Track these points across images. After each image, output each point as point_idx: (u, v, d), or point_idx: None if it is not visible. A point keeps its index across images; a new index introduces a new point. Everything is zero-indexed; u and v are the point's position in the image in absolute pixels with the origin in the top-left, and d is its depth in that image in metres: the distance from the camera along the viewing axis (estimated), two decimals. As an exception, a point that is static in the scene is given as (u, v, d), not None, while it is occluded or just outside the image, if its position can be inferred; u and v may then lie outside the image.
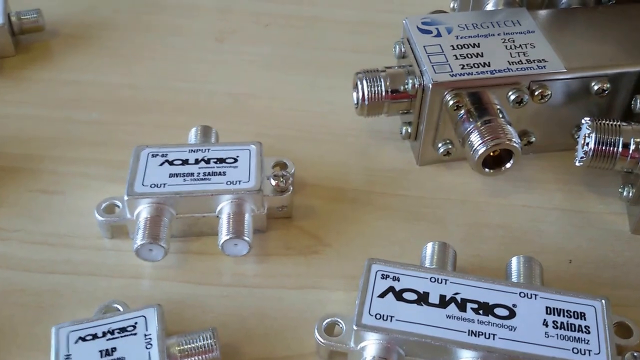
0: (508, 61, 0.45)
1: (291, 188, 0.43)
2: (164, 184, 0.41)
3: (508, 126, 0.44)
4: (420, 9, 0.55)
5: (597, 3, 0.53)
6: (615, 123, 0.43)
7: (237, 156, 0.43)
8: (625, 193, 0.44)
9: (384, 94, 0.47)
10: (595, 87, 0.45)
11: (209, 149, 0.43)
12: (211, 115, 0.52)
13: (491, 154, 0.44)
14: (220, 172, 0.42)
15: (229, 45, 0.59)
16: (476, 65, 0.45)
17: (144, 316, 0.35)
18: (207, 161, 0.43)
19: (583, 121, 0.43)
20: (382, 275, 0.36)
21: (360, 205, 0.46)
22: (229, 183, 0.41)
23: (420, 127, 0.47)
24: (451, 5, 0.57)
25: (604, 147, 0.43)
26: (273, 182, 0.42)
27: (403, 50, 0.48)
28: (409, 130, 0.48)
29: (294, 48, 0.59)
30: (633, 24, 0.49)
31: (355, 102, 0.47)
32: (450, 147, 0.47)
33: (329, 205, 0.46)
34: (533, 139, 0.48)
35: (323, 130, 0.51)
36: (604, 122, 0.43)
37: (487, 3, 0.54)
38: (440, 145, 0.47)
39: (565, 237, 0.44)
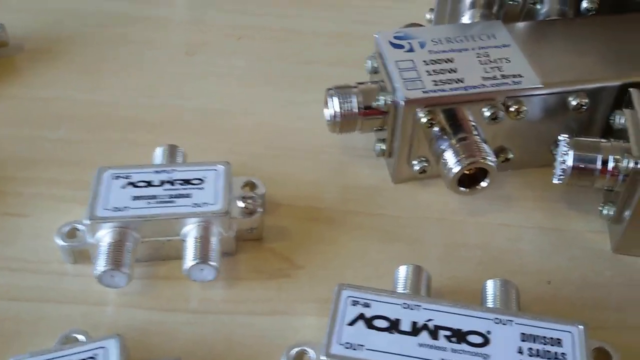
0: (482, 76, 0.44)
1: (260, 209, 0.41)
2: (127, 207, 0.40)
3: (483, 144, 0.43)
4: (399, 19, 0.54)
5: (577, 14, 0.51)
6: (593, 140, 0.42)
7: (204, 177, 0.42)
8: (605, 211, 0.43)
9: (356, 110, 0.46)
10: (573, 103, 0.44)
11: (174, 170, 0.42)
12: (181, 132, 0.51)
13: (466, 172, 0.43)
14: (185, 194, 0.41)
15: (200, 59, 0.58)
16: (449, 81, 0.44)
17: (104, 347, 0.34)
18: (172, 183, 0.41)
19: (560, 138, 0.43)
20: (353, 301, 0.35)
21: (334, 225, 0.45)
22: (194, 205, 0.40)
23: (395, 145, 0.46)
24: (427, 17, 0.56)
25: (582, 165, 0.42)
26: (241, 204, 0.41)
27: (375, 65, 0.47)
28: (384, 148, 0.47)
29: (268, 62, 0.58)
30: (613, 35, 0.49)
31: (327, 119, 0.46)
32: (425, 164, 0.46)
33: (302, 226, 0.45)
34: (511, 156, 0.47)
35: (297, 147, 0.50)
36: (582, 139, 0.42)
37: (463, 15, 0.53)
38: (415, 162, 0.46)
39: (544, 257, 0.43)
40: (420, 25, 0.50)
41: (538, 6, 0.53)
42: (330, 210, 0.46)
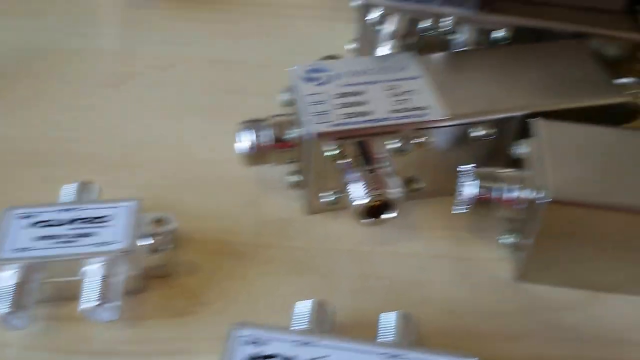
0: (390, 109, 0.45)
1: (168, 247, 0.42)
2: (31, 248, 0.40)
3: (390, 176, 0.44)
4: (326, 49, 0.55)
5: (492, 44, 0.53)
6: (494, 170, 0.43)
7: (112, 215, 0.42)
8: (506, 240, 0.44)
9: (268, 144, 0.46)
10: (479, 133, 0.46)
11: (82, 208, 0.42)
12: (99, 166, 0.51)
13: (373, 203, 0.44)
14: (92, 233, 0.41)
15: (124, 90, 0.58)
16: (358, 114, 0.45)
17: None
18: (79, 221, 0.42)
19: (462, 168, 0.43)
20: (247, 341, 0.36)
21: (245, 260, 0.45)
22: (100, 244, 0.40)
23: (306, 177, 0.46)
24: (350, 47, 0.57)
25: (482, 195, 0.43)
26: (148, 242, 0.41)
27: (289, 98, 0.48)
28: (296, 180, 0.48)
29: (192, 92, 0.58)
30: (522, 65, 0.50)
31: (240, 152, 0.47)
32: (336, 196, 0.47)
33: (213, 260, 0.45)
34: (420, 185, 0.48)
35: (214, 179, 0.51)
36: (482, 169, 0.43)
37: (382, 46, 0.54)
38: (326, 194, 0.47)
39: (448, 287, 0.44)
40: (337, 58, 0.51)
41: (455, 36, 0.53)
42: (242, 244, 0.46)
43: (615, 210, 0.40)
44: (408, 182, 0.48)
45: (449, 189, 0.48)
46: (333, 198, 0.47)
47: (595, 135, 0.43)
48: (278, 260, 0.46)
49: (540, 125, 0.43)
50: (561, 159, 0.41)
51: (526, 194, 0.41)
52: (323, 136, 0.44)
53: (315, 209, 0.48)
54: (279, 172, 0.50)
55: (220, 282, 0.44)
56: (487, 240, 0.47)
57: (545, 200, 0.39)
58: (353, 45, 0.57)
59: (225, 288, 0.44)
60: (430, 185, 0.49)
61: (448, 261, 0.46)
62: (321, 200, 0.47)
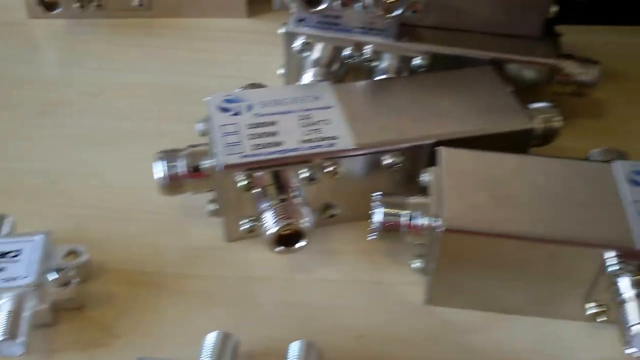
0: (301, 139, 0.46)
1: (76, 280, 0.42)
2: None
3: (300, 206, 0.45)
4: (257, 74, 0.57)
5: (414, 71, 0.54)
6: (400, 197, 0.45)
7: (21, 249, 0.43)
8: (415, 265, 0.45)
9: (182, 174, 0.47)
10: (388, 161, 0.47)
11: (-7, 243, 0.43)
12: (20, 197, 0.52)
13: (285, 232, 0.45)
14: (1, 268, 0.41)
15: (53, 119, 0.59)
16: (268, 145, 0.46)
17: None
18: (-10, 256, 0.42)
19: (373, 196, 0.44)
20: (144, 375, 0.36)
21: (161, 290, 0.46)
22: (6, 280, 0.41)
23: (221, 205, 0.47)
24: (279, 72, 0.58)
25: (389, 222, 0.44)
26: (53, 277, 0.42)
27: (205, 128, 0.49)
28: (214, 208, 0.48)
29: (120, 119, 0.59)
30: (435, 93, 0.51)
31: (156, 181, 0.48)
32: (253, 224, 0.48)
33: (128, 291, 0.46)
34: (336, 212, 0.49)
35: (137, 208, 0.51)
36: (390, 196, 0.45)
37: (307, 72, 0.55)
38: (244, 222, 0.48)
39: (359, 312, 0.45)
40: (262, 86, 0.53)
41: (375, 63, 0.55)
42: (159, 274, 0.47)
43: (507, 237, 0.41)
44: (324, 208, 0.49)
45: (366, 215, 0.49)
46: (250, 226, 0.48)
47: (497, 162, 0.45)
48: (194, 290, 0.46)
49: (442, 153, 0.44)
50: (459, 187, 0.43)
51: (426, 221, 0.42)
52: (232, 167, 0.45)
53: (233, 237, 0.49)
54: (201, 200, 0.50)
55: (134, 314, 0.44)
56: (402, 265, 0.48)
57: (440, 229, 0.40)
58: (282, 71, 0.58)
59: (139, 320, 0.44)
60: (348, 211, 0.50)
61: (363, 286, 0.47)
62: (239, 228, 0.48)
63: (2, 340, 0.39)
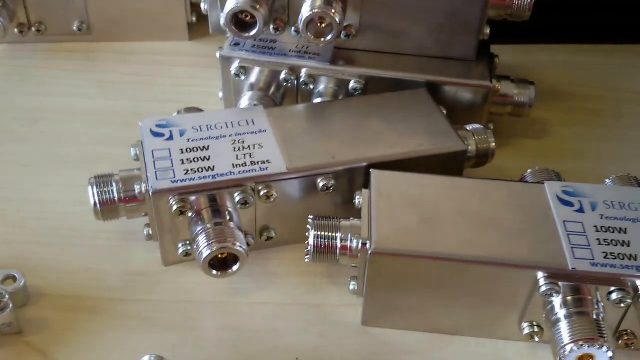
0: (233, 164, 0.48)
1: (10, 305, 0.43)
2: None
3: (234, 229, 0.46)
4: (198, 97, 0.60)
5: (351, 94, 0.56)
6: (334, 219, 0.46)
7: (-47, 277, 0.43)
8: (351, 286, 0.46)
9: (116, 199, 0.48)
10: (320, 185, 0.48)
11: None
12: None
13: (220, 256, 0.46)
14: None
15: (-12, 145, 0.59)
16: (200, 170, 0.47)
17: None
18: None
19: (309, 218, 0.46)
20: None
21: (98, 315, 0.47)
22: (-62, 308, 0.41)
23: (155, 230, 0.48)
24: (220, 95, 0.59)
25: (322, 244, 0.45)
26: (-10, 302, 0.42)
27: (137, 153, 0.50)
28: (150, 232, 0.49)
29: (58, 144, 0.60)
30: (371, 116, 0.53)
31: (91, 206, 0.48)
32: (189, 247, 0.49)
33: (65, 316, 0.47)
34: (273, 235, 0.50)
35: (74, 233, 0.52)
36: (324, 219, 0.46)
37: (244, 96, 0.56)
38: (180, 246, 0.49)
39: (297, 334, 0.46)
40: (199, 110, 0.54)
41: (311, 86, 0.56)
42: (96, 299, 0.48)
43: (435, 259, 0.42)
44: (262, 231, 0.50)
45: (303, 237, 0.50)
46: (186, 250, 0.49)
47: (428, 184, 0.46)
48: (131, 314, 0.47)
49: (373, 176, 0.46)
50: (389, 209, 0.44)
51: (355, 244, 0.44)
52: (163, 193, 0.46)
53: (170, 261, 0.50)
54: (139, 224, 0.51)
55: (72, 339, 0.45)
56: (341, 287, 0.49)
57: (369, 251, 0.42)
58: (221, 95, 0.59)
59: (76, 344, 0.45)
60: (287, 234, 0.51)
61: (301, 308, 0.48)
62: (176, 252, 0.49)
63: None
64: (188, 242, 0.49)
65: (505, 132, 0.58)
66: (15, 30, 0.67)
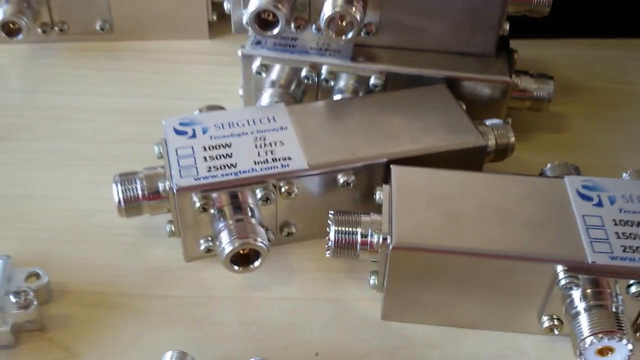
0: (254, 161, 0.48)
1: (35, 302, 0.44)
2: None
3: (256, 225, 0.47)
4: (218, 95, 0.60)
5: (371, 91, 0.57)
6: (355, 214, 0.46)
7: (-20, 273, 0.44)
8: (372, 281, 0.47)
9: (140, 196, 0.49)
10: (341, 180, 0.48)
11: (-48, 268, 0.44)
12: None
13: (241, 252, 0.46)
14: (-39, 292, 0.43)
15: (14, 143, 0.61)
16: (223, 167, 0.48)
17: None
18: (-51, 281, 0.44)
19: (330, 213, 0.47)
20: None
21: (120, 310, 0.48)
22: (-34, 303, 0.42)
23: (178, 226, 0.49)
24: (240, 93, 0.60)
25: (343, 240, 0.46)
26: (13, 299, 0.43)
27: (161, 151, 0.51)
28: (172, 229, 0.50)
29: (82, 142, 0.61)
30: (391, 112, 0.53)
31: (115, 203, 0.49)
32: (210, 244, 0.50)
33: (88, 313, 0.48)
34: (294, 230, 0.51)
35: (97, 230, 0.53)
36: (344, 214, 0.46)
37: (265, 93, 0.57)
38: (202, 242, 0.50)
39: (316, 329, 0.47)
40: (220, 108, 0.54)
41: (332, 83, 0.57)
42: (118, 295, 0.49)
43: (455, 254, 0.43)
44: (282, 227, 0.51)
45: (324, 232, 0.51)
46: (208, 246, 0.49)
47: (448, 179, 0.47)
48: (153, 309, 0.48)
49: (393, 172, 0.46)
50: (409, 204, 0.45)
51: (376, 239, 0.45)
52: (186, 190, 0.46)
53: (192, 257, 0.51)
54: (161, 220, 0.52)
55: (94, 334, 0.46)
56: (360, 281, 0.50)
57: (390, 246, 0.42)
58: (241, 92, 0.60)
59: (98, 340, 0.46)
60: (307, 229, 0.52)
61: (321, 303, 0.49)
62: (198, 248, 0.50)
63: (-40, 364, 0.41)
64: (210, 238, 0.49)
65: (523, 126, 0.58)
66: (39, 29, 0.68)
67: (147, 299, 0.49)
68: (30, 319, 0.44)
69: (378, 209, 0.48)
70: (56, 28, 0.69)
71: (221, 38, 0.73)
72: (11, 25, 0.65)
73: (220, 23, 0.72)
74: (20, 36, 0.65)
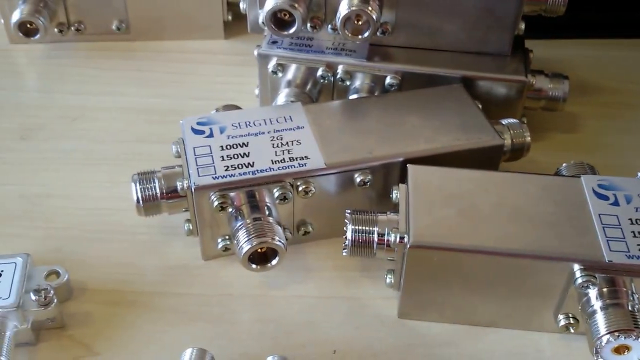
0: (272, 160, 0.49)
1: (55, 300, 0.45)
2: None
3: (274, 224, 0.47)
4: (234, 95, 0.61)
5: (387, 90, 0.57)
6: (371, 213, 0.47)
7: (1, 271, 0.45)
8: (388, 279, 0.48)
9: (158, 195, 0.50)
10: (357, 179, 0.49)
11: (-27, 266, 0.45)
12: (0, 219, 0.54)
13: (259, 250, 0.47)
14: (-17, 290, 0.44)
15: (33, 142, 0.61)
16: (240, 166, 0.48)
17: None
18: (-28, 278, 0.44)
19: (346, 212, 0.47)
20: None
21: (138, 308, 0.49)
22: (-12, 301, 0.43)
23: (196, 225, 0.50)
24: (256, 92, 0.61)
25: (359, 238, 0.46)
26: (33, 297, 0.44)
27: (179, 150, 0.51)
28: (190, 227, 0.51)
29: (99, 142, 0.62)
30: (407, 111, 0.54)
31: (133, 202, 0.50)
32: (228, 242, 0.50)
33: (107, 310, 0.48)
34: (310, 229, 0.51)
35: (115, 229, 0.54)
36: (361, 213, 0.47)
37: (281, 92, 0.58)
38: (219, 240, 0.50)
39: (333, 327, 0.47)
40: (237, 107, 0.55)
41: (348, 83, 0.58)
42: (137, 293, 0.50)
43: (473, 252, 0.43)
44: (299, 226, 0.51)
45: (340, 231, 0.51)
46: (225, 244, 0.50)
47: (464, 178, 0.47)
48: (171, 307, 0.49)
49: (409, 171, 0.47)
50: (426, 203, 0.45)
51: (393, 238, 0.45)
52: (205, 189, 0.47)
53: (210, 255, 0.52)
54: (178, 219, 0.53)
55: (113, 332, 0.47)
56: (377, 280, 0.51)
57: (407, 245, 0.43)
58: (257, 92, 0.61)
59: (118, 337, 0.47)
60: (323, 228, 0.52)
61: (338, 301, 0.49)
62: (215, 246, 0.50)
63: (-18, 360, 0.41)
64: (227, 237, 0.50)
65: (537, 126, 0.59)
66: (55, 29, 0.69)
67: (166, 297, 0.49)
68: (51, 316, 0.45)
69: (394, 208, 0.48)
70: (72, 28, 0.70)
71: (236, 38, 0.74)
72: (28, 26, 0.66)
73: (235, 23, 0.72)
74: (38, 36, 0.66)
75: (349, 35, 0.52)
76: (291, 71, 0.58)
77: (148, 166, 0.51)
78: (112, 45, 0.72)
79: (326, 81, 0.58)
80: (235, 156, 0.49)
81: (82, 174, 0.59)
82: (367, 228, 0.46)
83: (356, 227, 0.46)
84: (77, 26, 0.70)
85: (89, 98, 0.66)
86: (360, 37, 0.52)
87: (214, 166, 0.48)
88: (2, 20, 0.69)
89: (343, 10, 0.51)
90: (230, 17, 0.71)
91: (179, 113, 0.63)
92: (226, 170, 0.48)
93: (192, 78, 0.69)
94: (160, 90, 0.67)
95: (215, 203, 0.47)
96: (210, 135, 0.50)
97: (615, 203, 0.45)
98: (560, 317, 0.45)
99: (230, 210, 0.48)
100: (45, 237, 0.53)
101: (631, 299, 0.42)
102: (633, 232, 0.43)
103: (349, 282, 0.51)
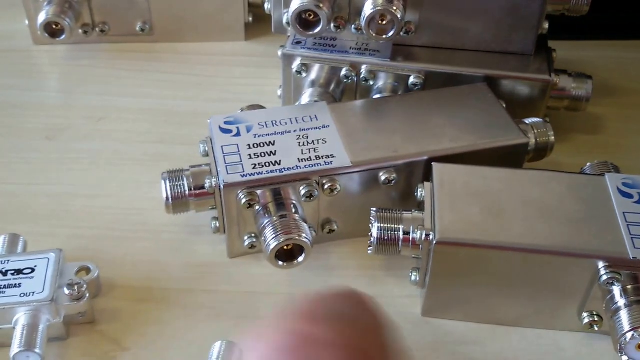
0: (298, 158, 0.51)
1: (87, 295, 0.47)
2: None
3: (300, 221, 0.49)
4: (257, 96, 0.62)
5: (410, 90, 0.59)
6: (396, 212, 0.49)
7: (35, 266, 0.47)
8: (413, 277, 0.49)
9: (187, 193, 0.52)
10: (383, 178, 0.51)
11: (7, 261, 0.47)
12: (28, 218, 0.56)
13: (285, 247, 0.49)
14: (16, 284, 0.46)
15: (58, 143, 0.64)
16: (267, 164, 0.50)
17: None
18: (5, 273, 0.47)
19: (371, 211, 0.49)
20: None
21: (166, 305, 0.50)
22: (22, 295, 0.46)
23: (223, 223, 0.52)
24: (279, 93, 0.63)
25: (385, 236, 0.48)
26: (66, 291, 0.46)
27: (206, 149, 0.53)
28: (217, 225, 0.53)
29: (124, 143, 0.64)
30: (431, 110, 0.56)
31: (163, 199, 0.52)
32: (254, 240, 0.52)
33: (136, 307, 0.50)
34: (335, 228, 0.53)
35: (141, 227, 0.56)
36: (386, 211, 0.49)
37: (305, 93, 0.60)
38: (246, 238, 0.52)
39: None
40: (261, 107, 0.57)
41: (372, 83, 0.59)
42: (164, 290, 0.52)
43: (499, 249, 0.45)
44: (324, 224, 0.53)
45: (364, 230, 0.53)
46: (252, 242, 0.52)
47: (489, 176, 0.49)
48: (198, 304, 0.51)
49: (435, 169, 0.49)
50: (452, 201, 0.47)
51: (419, 235, 0.47)
52: (233, 186, 0.49)
53: (236, 253, 0.53)
54: (204, 218, 0.55)
55: (141, 327, 0.49)
56: (401, 278, 0.52)
57: (433, 241, 0.45)
58: (280, 92, 0.63)
59: (146, 333, 0.49)
60: (347, 227, 0.54)
61: (362, 299, 0.51)
62: (242, 244, 0.52)
63: (19, 352, 0.44)
64: (253, 235, 0.52)
65: (560, 127, 0.60)
66: (80, 30, 0.71)
67: (192, 293, 0.51)
68: (82, 310, 0.47)
69: (417, 206, 0.50)
70: (97, 29, 0.71)
71: (256, 40, 0.76)
72: (54, 26, 0.68)
73: (255, 24, 0.74)
74: (63, 37, 0.68)
75: (374, 35, 0.54)
76: (315, 71, 0.60)
77: (171, 166, 0.53)
78: (135, 47, 0.74)
79: (350, 81, 0.60)
80: (263, 154, 0.51)
81: (108, 174, 0.61)
82: (393, 226, 0.48)
83: (382, 225, 0.48)
84: (101, 27, 0.72)
85: (112, 99, 0.69)
86: (384, 37, 0.54)
87: (242, 164, 0.50)
88: (27, 22, 0.70)
89: (368, 10, 0.53)
90: (251, 19, 0.73)
91: (202, 115, 0.64)
92: (254, 168, 0.50)
93: (214, 80, 0.71)
94: (182, 92, 0.70)
95: (243, 200, 0.49)
96: (238, 134, 0.52)
97: (639, 201, 0.47)
98: (585, 315, 0.47)
99: (257, 207, 0.49)
100: (72, 236, 0.55)
101: (655, 295, 0.43)
102: (657, 229, 0.45)
103: (372, 281, 0.52)
